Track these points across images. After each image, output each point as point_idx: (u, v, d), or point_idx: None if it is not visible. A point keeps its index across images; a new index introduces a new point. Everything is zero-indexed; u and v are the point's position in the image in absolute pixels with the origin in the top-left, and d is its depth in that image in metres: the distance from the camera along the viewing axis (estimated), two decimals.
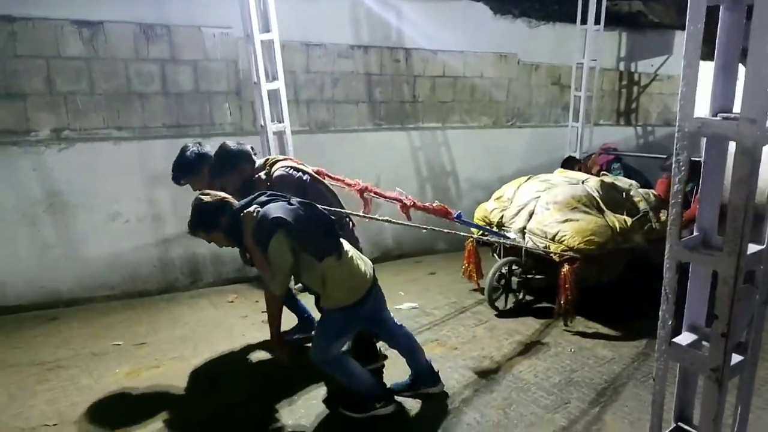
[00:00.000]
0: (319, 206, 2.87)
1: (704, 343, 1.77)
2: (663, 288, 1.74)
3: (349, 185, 3.77)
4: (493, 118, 6.79)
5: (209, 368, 3.59)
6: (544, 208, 4.39)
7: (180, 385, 3.37)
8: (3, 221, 4.41)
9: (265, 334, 4.03)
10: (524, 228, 4.47)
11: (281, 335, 2.96)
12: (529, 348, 3.89)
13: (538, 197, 4.52)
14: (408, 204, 3.69)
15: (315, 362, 2.94)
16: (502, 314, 4.47)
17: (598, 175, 5.30)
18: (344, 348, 3.10)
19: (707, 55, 1.67)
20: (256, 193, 2.82)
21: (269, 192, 2.85)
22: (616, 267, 4.40)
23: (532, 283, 4.55)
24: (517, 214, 4.58)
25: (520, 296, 4.60)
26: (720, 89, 1.68)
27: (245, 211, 2.67)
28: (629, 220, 4.32)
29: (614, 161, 5.78)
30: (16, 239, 4.46)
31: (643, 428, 2.82)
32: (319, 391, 3.29)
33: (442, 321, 4.38)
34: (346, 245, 2.89)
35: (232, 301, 4.78)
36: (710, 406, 1.66)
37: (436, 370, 3.28)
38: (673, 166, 1.66)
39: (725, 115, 1.64)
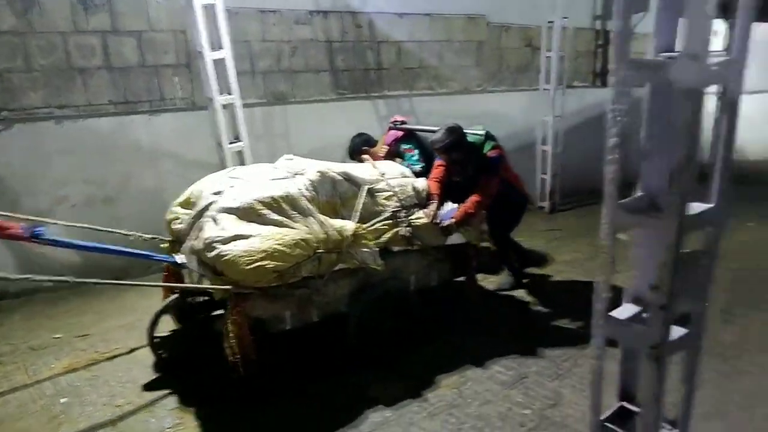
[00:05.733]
0: None
1: (645, 315, 1.59)
2: (602, 256, 1.55)
3: None
4: (463, 84, 6.53)
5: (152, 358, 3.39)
6: (213, 219, 2.96)
7: (119, 379, 3.19)
8: None
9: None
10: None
11: None
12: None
13: (213, 202, 3.07)
14: None
15: None
16: (166, 368, 3.25)
17: (385, 158, 4.21)
18: None
19: None
20: None
21: None
22: (331, 299, 3.09)
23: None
24: (191, 228, 3.12)
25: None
26: (662, 26, 1.47)
27: None
28: (350, 228, 3.05)
29: (404, 139, 4.33)
30: None
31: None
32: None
33: None
34: None
35: None
36: (650, 385, 1.49)
37: None
38: (609, 116, 1.46)
39: (668, 54, 1.44)
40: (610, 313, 1.61)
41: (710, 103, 1.43)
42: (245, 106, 4.96)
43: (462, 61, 6.48)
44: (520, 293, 4.23)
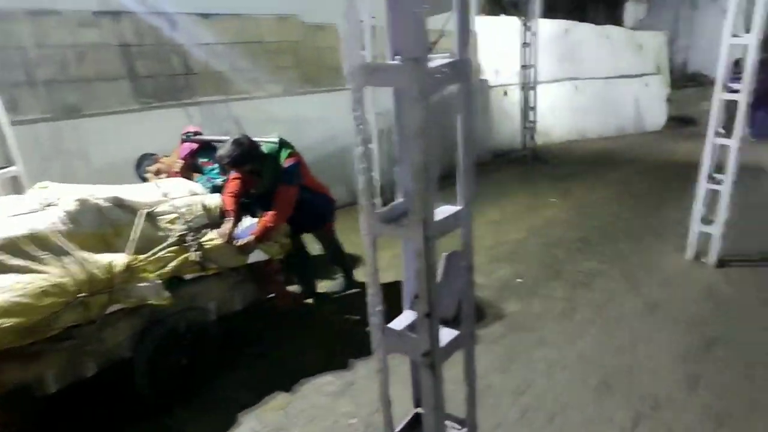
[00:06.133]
0: None
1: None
2: (367, 268, 1.50)
3: None
4: (282, 86, 6.36)
5: None
6: None
7: None
8: None
9: None
10: None
11: None
12: None
13: None
14: None
15: None
16: None
17: (182, 174, 3.87)
18: None
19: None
20: None
21: None
22: (111, 345, 2.66)
23: None
24: None
25: None
26: (395, 29, 1.43)
27: None
28: (121, 263, 2.61)
29: (200, 152, 3.94)
30: None
31: None
32: None
33: None
34: None
35: None
36: (429, 392, 1.48)
37: None
38: (354, 122, 1.39)
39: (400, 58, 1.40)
40: (390, 324, 1.57)
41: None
42: (25, 122, 4.30)
43: (278, 63, 6.30)
44: (343, 298, 4.13)
